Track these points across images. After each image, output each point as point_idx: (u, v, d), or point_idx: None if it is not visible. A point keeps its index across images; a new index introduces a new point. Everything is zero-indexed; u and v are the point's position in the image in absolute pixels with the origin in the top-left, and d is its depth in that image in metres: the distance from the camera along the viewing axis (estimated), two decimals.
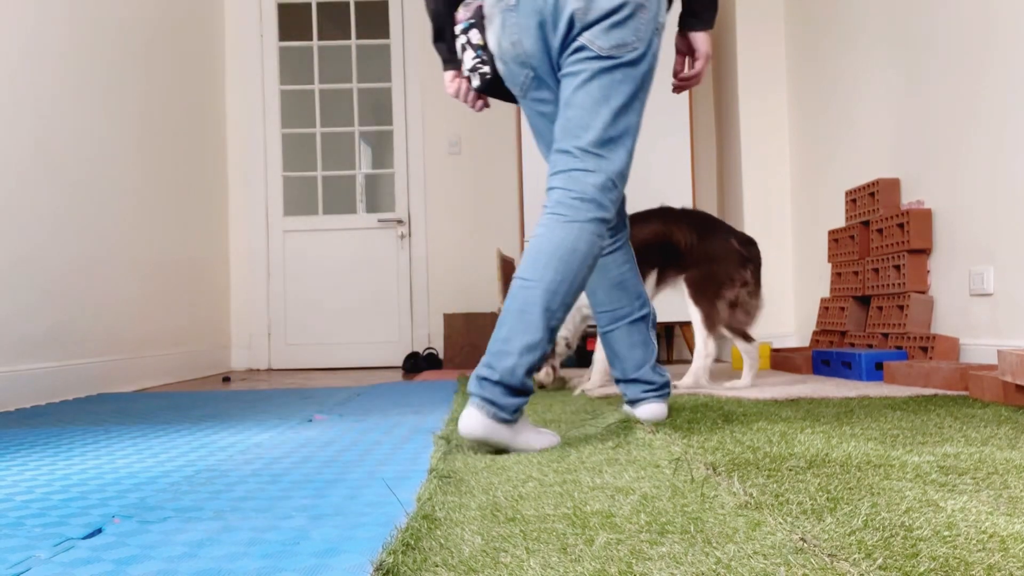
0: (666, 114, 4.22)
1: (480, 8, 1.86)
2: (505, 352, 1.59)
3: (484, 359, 1.62)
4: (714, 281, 2.70)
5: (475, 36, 1.86)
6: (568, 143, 1.73)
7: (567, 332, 2.86)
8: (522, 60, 1.81)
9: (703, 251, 2.72)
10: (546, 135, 1.90)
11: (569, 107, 1.76)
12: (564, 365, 4.09)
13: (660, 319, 4.19)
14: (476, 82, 1.91)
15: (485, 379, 1.58)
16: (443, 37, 1.99)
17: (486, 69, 1.88)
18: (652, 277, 2.76)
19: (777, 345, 4.30)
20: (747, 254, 2.75)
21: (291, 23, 5.25)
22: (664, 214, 2.78)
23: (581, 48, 1.74)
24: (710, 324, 2.70)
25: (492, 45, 1.84)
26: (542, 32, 1.75)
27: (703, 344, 2.71)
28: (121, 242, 3.64)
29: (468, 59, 1.90)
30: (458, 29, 1.91)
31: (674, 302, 3.07)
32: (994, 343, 2.77)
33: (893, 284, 3.22)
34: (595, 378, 2.79)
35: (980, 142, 2.85)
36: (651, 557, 0.86)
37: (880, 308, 3.31)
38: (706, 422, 1.84)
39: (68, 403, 2.93)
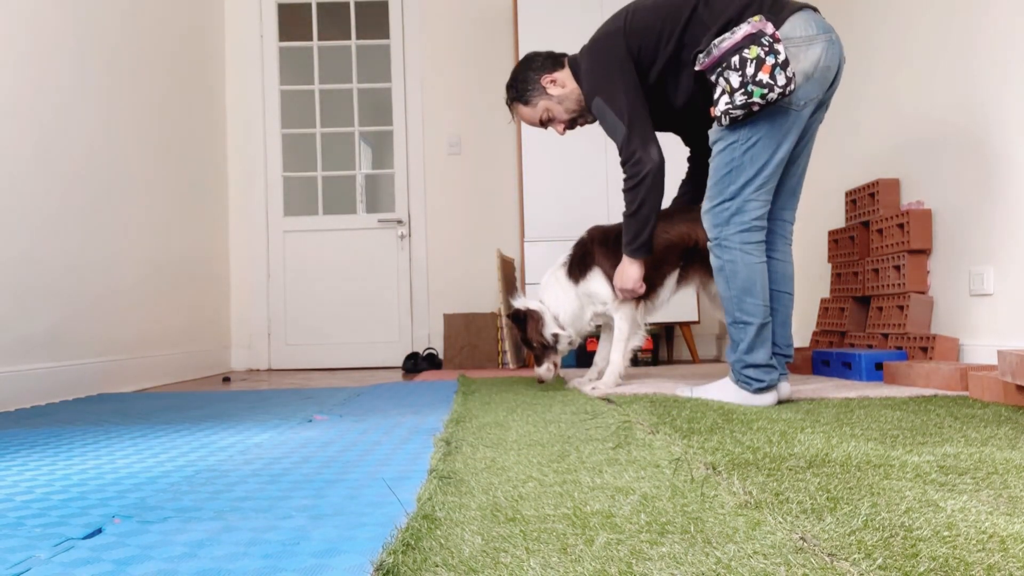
0: None
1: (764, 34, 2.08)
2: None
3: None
4: None
5: (783, 49, 2.06)
6: (800, 193, 2.44)
7: (572, 331, 2.86)
8: (824, 83, 2.17)
9: None
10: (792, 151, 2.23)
11: (804, 157, 2.36)
12: (564, 364, 4.09)
13: (660, 319, 4.19)
14: (782, 80, 2.05)
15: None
16: (654, 234, 2.48)
17: (790, 76, 2.05)
18: (673, 277, 2.75)
19: None
20: None
21: (291, 23, 5.25)
22: (684, 213, 2.74)
23: (825, 104, 2.28)
24: None
25: (807, 65, 2.13)
26: (838, 72, 2.21)
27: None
28: (121, 242, 3.64)
29: (774, 64, 2.04)
30: (762, 40, 2.06)
31: (674, 302, 3.06)
32: (994, 343, 2.77)
33: (893, 284, 3.22)
34: (608, 379, 2.78)
35: (980, 142, 2.85)
36: (651, 557, 0.86)
37: (880, 308, 3.31)
38: (706, 422, 1.84)
39: (68, 403, 2.93)
